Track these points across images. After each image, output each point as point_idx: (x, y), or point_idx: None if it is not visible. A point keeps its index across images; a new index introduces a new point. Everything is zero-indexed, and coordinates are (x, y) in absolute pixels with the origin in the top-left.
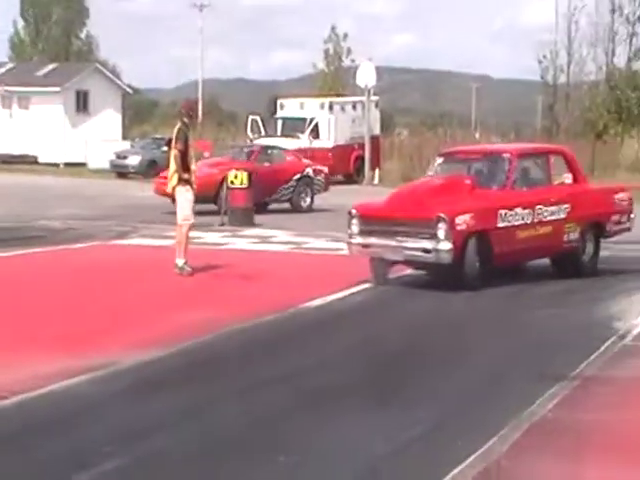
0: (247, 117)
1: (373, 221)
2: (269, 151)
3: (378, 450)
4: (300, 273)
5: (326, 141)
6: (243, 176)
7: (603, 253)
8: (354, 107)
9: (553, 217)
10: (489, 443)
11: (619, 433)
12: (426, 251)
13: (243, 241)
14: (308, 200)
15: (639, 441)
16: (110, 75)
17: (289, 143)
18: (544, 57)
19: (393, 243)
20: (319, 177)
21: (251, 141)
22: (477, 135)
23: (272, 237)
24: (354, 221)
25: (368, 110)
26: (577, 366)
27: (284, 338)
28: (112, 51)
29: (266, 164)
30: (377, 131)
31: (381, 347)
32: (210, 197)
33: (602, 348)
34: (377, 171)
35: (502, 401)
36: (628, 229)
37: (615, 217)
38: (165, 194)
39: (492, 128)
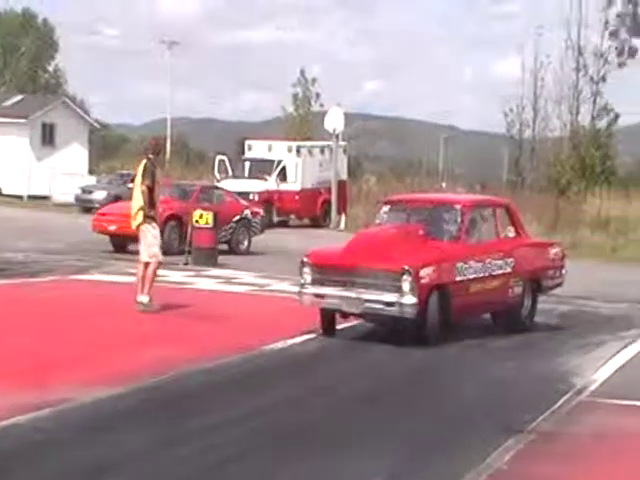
0: (214, 157)
1: (328, 270)
2: (209, 191)
3: None
4: (262, 315)
5: (293, 184)
6: (208, 216)
7: (565, 307)
8: (322, 151)
9: (501, 271)
10: None
11: None
12: (389, 304)
13: (207, 281)
14: (246, 243)
15: None
16: (77, 109)
17: (256, 185)
18: (510, 111)
19: (351, 294)
20: (256, 219)
21: (218, 181)
22: (443, 185)
23: (235, 278)
24: (306, 269)
25: (336, 155)
26: (534, 420)
27: (243, 380)
28: (81, 85)
29: (205, 204)
30: (344, 176)
31: (338, 394)
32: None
33: (559, 403)
34: (343, 216)
35: (459, 452)
36: (560, 284)
37: (550, 272)
38: (103, 231)
39: (459, 178)
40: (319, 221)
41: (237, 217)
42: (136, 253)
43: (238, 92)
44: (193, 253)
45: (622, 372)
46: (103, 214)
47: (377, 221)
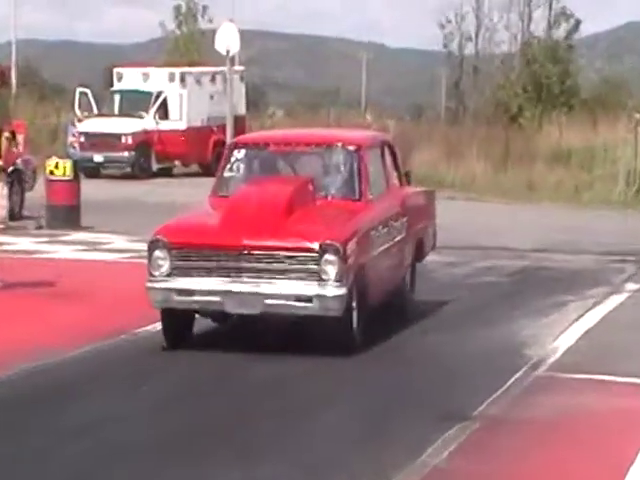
0: (74, 90)
1: (200, 253)
2: None
3: None
4: (136, 291)
5: (177, 122)
6: (66, 165)
7: (519, 263)
8: (213, 79)
9: (400, 236)
10: None
11: None
12: (304, 299)
13: (66, 248)
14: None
15: None
16: None
17: (129, 124)
18: (448, 21)
19: (243, 288)
20: (29, 170)
21: (79, 120)
22: (368, 117)
23: (104, 243)
24: (160, 253)
25: (231, 83)
26: (478, 405)
27: (101, 376)
28: None
29: None
30: (243, 110)
31: (225, 394)
32: None
33: (509, 382)
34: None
35: (388, 448)
36: (433, 247)
37: (431, 231)
38: None
39: (387, 109)
40: (211, 168)
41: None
42: None
43: (102, 7)
44: (48, 213)
45: (587, 339)
46: None
47: (227, 173)
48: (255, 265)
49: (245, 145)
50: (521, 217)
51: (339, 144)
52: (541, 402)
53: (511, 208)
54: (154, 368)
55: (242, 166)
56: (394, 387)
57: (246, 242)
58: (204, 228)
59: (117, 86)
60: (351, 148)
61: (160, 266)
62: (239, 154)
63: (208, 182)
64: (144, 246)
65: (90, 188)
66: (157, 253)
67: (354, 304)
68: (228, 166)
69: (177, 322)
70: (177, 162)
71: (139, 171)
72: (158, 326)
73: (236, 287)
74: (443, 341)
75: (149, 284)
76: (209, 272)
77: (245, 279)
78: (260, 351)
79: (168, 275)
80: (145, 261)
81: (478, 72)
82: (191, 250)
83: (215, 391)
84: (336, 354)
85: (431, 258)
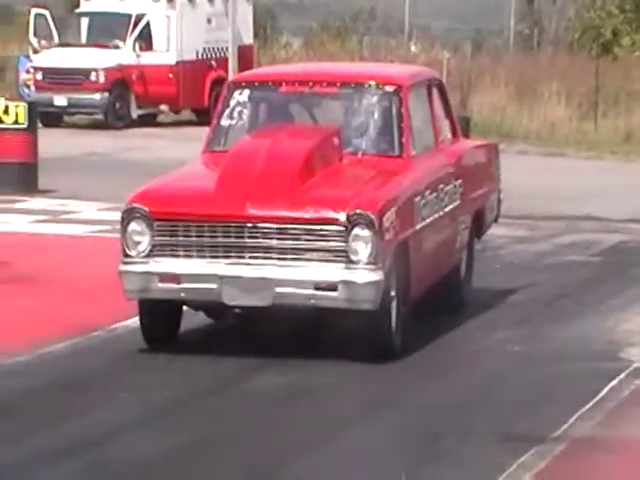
0: (29, 11)
1: (190, 226)
2: None
3: None
4: (107, 275)
5: (164, 54)
6: (19, 110)
7: (612, 237)
8: None
9: (452, 204)
10: None
11: None
12: (326, 287)
13: (20, 219)
14: None
15: None
16: None
17: (101, 56)
18: None
19: (246, 273)
20: None
21: (35, 51)
22: (413, 47)
23: (70, 212)
24: (138, 227)
25: (234, 4)
26: (563, 422)
27: (68, 384)
28: None
29: None
30: (250, 39)
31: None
32: None
33: (603, 392)
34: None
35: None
36: (497, 218)
37: (493, 199)
38: None
39: (439, 37)
40: (209, 115)
41: None
42: None
43: None
44: None
45: None
46: None
47: (224, 121)
48: (263, 242)
49: (249, 84)
50: (615, 178)
51: (372, 83)
52: None
53: (602, 166)
54: (134, 373)
55: (245, 112)
56: (448, 401)
57: (251, 212)
58: (195, 193)
59: (84, 6)
60: (388, 88)
61: (137, 243)
62: (241, 96)
63: (204, 133)
64: (119, 216)
65: (50, 140)
66: (133, 226)
67: (393, 294)
68: (227, 112)
69: (160, 317)
70: (164, 107)
71: (114, 119)
72: (138, 320)
73: (237, 271)
74: (511, 341)
75: (123, 267)
76: (202, 251)
77: (249, 260)
78: (268, 355)
79: (148, 255)
80: (118, 235)
81: None
82: (178, 222)
83: (208, 404)
84: (370, 361)
85: (496, 231)
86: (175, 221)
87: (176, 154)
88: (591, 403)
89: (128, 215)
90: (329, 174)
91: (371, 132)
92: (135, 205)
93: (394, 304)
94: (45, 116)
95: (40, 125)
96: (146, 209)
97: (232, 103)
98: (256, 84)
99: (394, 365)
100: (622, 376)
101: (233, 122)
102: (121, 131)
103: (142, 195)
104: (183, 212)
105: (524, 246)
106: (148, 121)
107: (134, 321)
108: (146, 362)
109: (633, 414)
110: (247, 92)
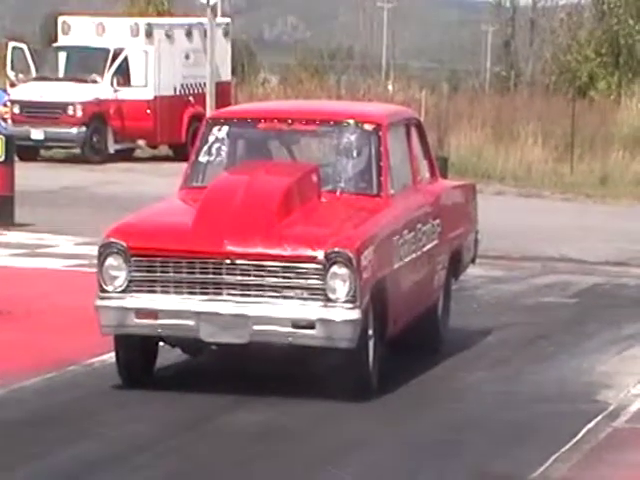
0: (6, 44)
1: (167, 262)
2: None
3: None
4: (91, 308)
5: (142, 89)
6: None
7: (588, 279)
8: (189, 34)
9: (430, 244)
10: None
11: None
12: (304, 325)
13: None
14: None
15: None
16: None
17: (79, 91)
18: None
19: (224, 309)
20: None
21: (12, 84)
22: (390, 87)
23: (46, 246)
24: (115, 262)
25: (212, 40)
26: (538, 464)
27: (44, 417)
28: None
29: None
30: (227, 75)
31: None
32: None
33: (580, 434)
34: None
35: None
36: (474, 259)
37: (470, 238)
38: None
39: (416, 76)
40: (186, 150)
41: None
42: None
43: None
44: None
45: None
46: None
47: (202, 157)
48: (240, 279)
49: (228, 120)
50: (591, 221)
51: (351, 121)
52: (620, 461)
53: (578, 208)
54: (108, 409)
55: (224, 148)
56: (424, 441)
57: (229, 248)
58: (173, 229)
59: (62, 41)
60: (367, 127)
61: (114, 278)
62: (220, 132)
63: (181, 169)
64: (96, 250)
65: (27, 174)
66: (110, 261)
67: (370, 332)
68: (205, 148)
69: (136, 353)
70: (141, 142)
71: (91, 153)
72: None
73: (215, 307)
74: (489, 381)
75: (99, 302)
76: (179, 287)
77: (227, 297)
78: (244, 393)
79: (124, 290)
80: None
81: (536, 28)
82: (155, 258)
83: (181, 441)
84: (345, 399)
85: (473, 271)
86: (152, 256)
87: (153, 189)
88: (568, 445)
89: (105, 249)
90: (307, 211)
91: (350, 170)
92: (112, 240)
93: (371, 342)
94: (22, 150)
95: (16, 159)
96: (123, 244)
97: (210, 139)
98: (235, 120)
99: (369, 404)
100: (599, 418)
101: (211, 158)
102: (98, 165)
103: (119, 229)
104: (161, 247)
105: (501, 286)
106: (125, 156)
107: (110, 356)
108: (121, 398)
109: (610, 456)
110: (226, 128)
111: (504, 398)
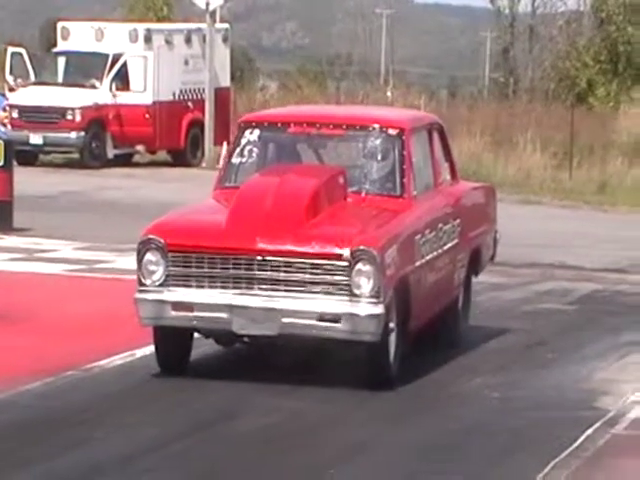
0: (5, 50)
1: (202, 258)
2: None
3: None
4: (90, 313)
5: (141, 94)
6: None
7: (587, 286)
8: (188, 40)
9: (450, 243)
10: None
11: None
12: (329, 319)
13: None
14: None
15: None
16: None
17: (78, 96)
18: None
19: (255, 303)
20: None
21: (10, 89)
22: (389, 93)
23: (45, 251)
24: (154, 257)
25: (212, 46)
26: (538, 470)
27: (45, 421)
28: None
29: None
30: (226, 81)
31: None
32: None
33: (579, 440)
34: (225, 147)
35: None
36: (493, 257)
37: (489, 238)
38: None
39: (415, 83)
40: (185, 155)
41: None
42: None
43: None
44: None
45: None
46: None
47: (235, 159)
48: (271, 275)
49: (260, 124)
50: (589, 227)
51: (377, 126)
52: (619, 466)
53: (577, 215)
54: (112, 412)
55: (255, 151)
56: (423, 447)
57: (261, 246)
58: (208, 227)
59: (62, 46)
60: (392, 131)
61: (152, 273)
62: (252, 135)
63: (181, 175)
64: (97, 255)
65: (26, 179)
66: (149, 257)
67: (392, 327)
68: (238, 150)
69: (172, 343)
70: (140, 147)
71: (90, 158)
72: (115, 360)
73: (247, 301)
74: (489, 387)
75: (138, 295)
76: (213, 282)
77: (258, 292)
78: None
79: (162, 284)
80: (100, 275)
81: (535, 35)
82: (191, 254)
83: (190, 445)
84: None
85: (474, 279)
86: (188, 252)
87: (151, 194)
88: (567, 452)
89: (144, 246)
90: (334, 212)
91: (374, 173)
92: (151, 236)
93: (393, 337)
94: (21, 155)
95: (15, 163)
96: (161, 240)
97: (243, 142)
98: (266, 124)
99: (370, 409)
100: (598, 425)
101: (243, 160)
102: (97, 170)
103: (158, 227)
104: (196, 244)
105: (501, 293)
106: (124, 161)
107: (109, 361)
108: (120, 402)
109: (609, 463)
110: (257, 132)
111: (504, 404)
